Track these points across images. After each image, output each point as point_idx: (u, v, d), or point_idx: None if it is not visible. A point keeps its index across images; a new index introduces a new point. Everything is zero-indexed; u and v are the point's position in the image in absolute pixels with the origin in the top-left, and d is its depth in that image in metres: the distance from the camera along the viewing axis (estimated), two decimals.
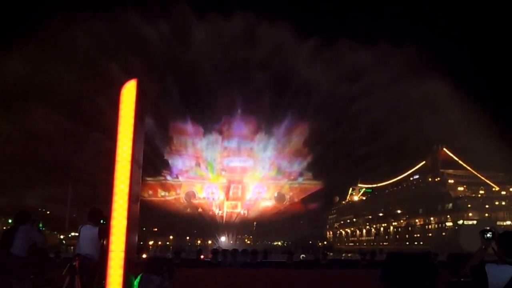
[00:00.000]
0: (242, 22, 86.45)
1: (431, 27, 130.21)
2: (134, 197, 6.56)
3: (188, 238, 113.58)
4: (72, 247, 37.07)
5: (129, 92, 6.52)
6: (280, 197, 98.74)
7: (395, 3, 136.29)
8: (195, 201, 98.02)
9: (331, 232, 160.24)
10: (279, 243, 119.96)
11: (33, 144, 71.45)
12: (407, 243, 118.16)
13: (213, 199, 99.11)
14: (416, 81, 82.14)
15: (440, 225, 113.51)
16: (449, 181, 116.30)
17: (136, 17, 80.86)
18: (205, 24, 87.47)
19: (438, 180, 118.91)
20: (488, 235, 5.41)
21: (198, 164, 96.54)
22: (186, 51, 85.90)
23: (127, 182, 6.34)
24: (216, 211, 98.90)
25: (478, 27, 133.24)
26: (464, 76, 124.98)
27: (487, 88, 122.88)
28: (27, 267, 9.45)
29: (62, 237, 72.24)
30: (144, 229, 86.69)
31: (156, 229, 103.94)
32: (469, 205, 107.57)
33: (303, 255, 35.29)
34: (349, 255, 59.38)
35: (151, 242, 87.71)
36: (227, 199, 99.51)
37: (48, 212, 77.84)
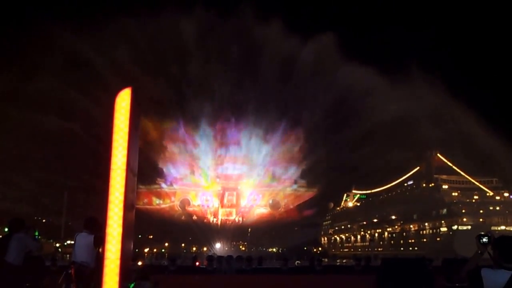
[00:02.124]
0: (236, 29, 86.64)
1: (423, 33, 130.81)
2: (129, 205, 6.56)
3: (183, 245, 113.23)
4: (68, 255, 36.90)
5: (123, 100, 6.53)
6: (275, 204, 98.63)
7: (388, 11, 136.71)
8: (190, 209, 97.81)
9: (325, 238, 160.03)
10: (274, 249, 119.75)
11: (29, 151, 71.23)
12: (402, 248, 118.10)
13: (208, 206, 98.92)
14: (409, 87, 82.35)
15: (434, 230, 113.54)
16: (443, 186, 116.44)
17: (130, 24, 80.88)
18: (198, 30, 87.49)
19: (432, 186, 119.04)
20: (484, 239, 5.44)
21: (192, 172, 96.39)
22: (180, 57, 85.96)
23: (122, 190, 6.34)
24: (211, 218, 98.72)
25: (469, 31, 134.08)
26: (457, 82, 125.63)
27: (481, 93, 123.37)
28: (22, 275, 9.39)
29: (58, 245, 71.86)
30: (139, 236, 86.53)
31: (151, 237, 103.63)
32: (463, 210, 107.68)
33: (298, 261, 35.28)
34: (344, 261, 59.40)
35: (146, 250, 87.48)
36: (222, 206, 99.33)
37: (44, 221, 77.53)
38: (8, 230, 9.79)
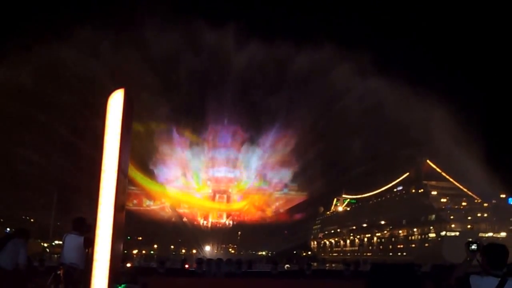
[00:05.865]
0: (228, 32, 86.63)
1: (414, 40, 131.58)
2: (119, 206, 6.53)
3: (172, 247, 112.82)
4: (56, 255, 36.71)
5: (116, 101, 6.50)
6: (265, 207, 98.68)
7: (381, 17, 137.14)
8: (180, 211, 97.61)
9: (315, 242, 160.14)
10: (264, 253, 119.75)
11: (18, 151, 70.60)
12: (391, 253, 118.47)
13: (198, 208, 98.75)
14: (400, 94, 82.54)
15: (423, 236, 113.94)
16: (432, 192, 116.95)
17: (123, 26, 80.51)
18: (191, 33, 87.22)
19: (421, 192, 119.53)
20: (473, 247, 5.50)
21: (183, 174, 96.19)
22: (173, 60, 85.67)
23: (113, 191, 6.31)
24: (201, 221, 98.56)
25: (461, 36, 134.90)
26: (446, 89, 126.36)
27: (471, 100, 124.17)
28: (11, 279, 9.37)
29: (46, 245, 71.38)
30: (128, 238, 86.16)
31: (140, 238, 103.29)
32: (451, 217, 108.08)
33: (288, 265, 35.18)
34: (333, 265, 59.35)
35: (135, 251, 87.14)
36: None
37: (32, 220, 76.94)
38: (14, 233, 10.00)
